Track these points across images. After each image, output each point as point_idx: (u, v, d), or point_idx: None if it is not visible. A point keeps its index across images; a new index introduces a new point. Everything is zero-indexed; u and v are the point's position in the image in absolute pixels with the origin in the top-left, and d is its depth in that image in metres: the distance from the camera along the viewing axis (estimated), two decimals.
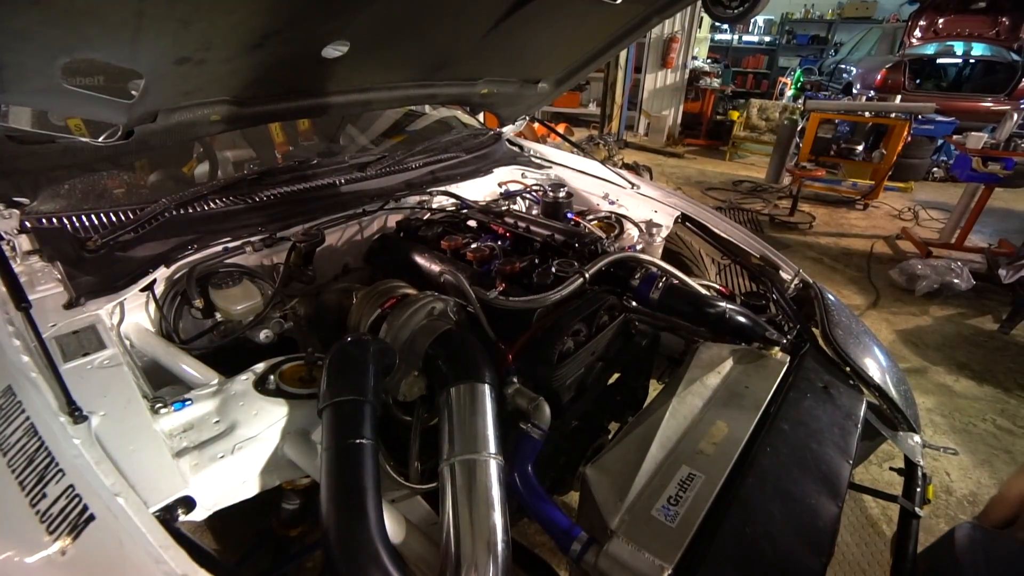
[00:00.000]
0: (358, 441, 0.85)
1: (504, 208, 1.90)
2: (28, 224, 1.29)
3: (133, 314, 1.28)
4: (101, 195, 1.56)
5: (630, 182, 2.32)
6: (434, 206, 1.94)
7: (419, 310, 1.20)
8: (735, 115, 9.19)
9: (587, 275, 1.37)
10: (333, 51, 1.21)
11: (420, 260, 1.56)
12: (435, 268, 1.49)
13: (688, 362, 1.35)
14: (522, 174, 2.42)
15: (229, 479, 0.87)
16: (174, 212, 1.37)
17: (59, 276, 1.21)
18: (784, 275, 1.79)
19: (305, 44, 1.13)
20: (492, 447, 0.97)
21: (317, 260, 1.67)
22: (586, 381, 1.36)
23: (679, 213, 2.12)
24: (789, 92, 10.06)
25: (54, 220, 1.32)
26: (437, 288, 1.41)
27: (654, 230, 1.90)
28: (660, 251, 1.91)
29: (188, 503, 0.79)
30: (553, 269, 1.41)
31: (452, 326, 1.22)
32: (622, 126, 9.04)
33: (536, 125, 6.53)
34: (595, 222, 2.09)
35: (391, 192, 1.81)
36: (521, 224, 1.76)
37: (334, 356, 0.98)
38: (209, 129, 1.27)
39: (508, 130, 2.59)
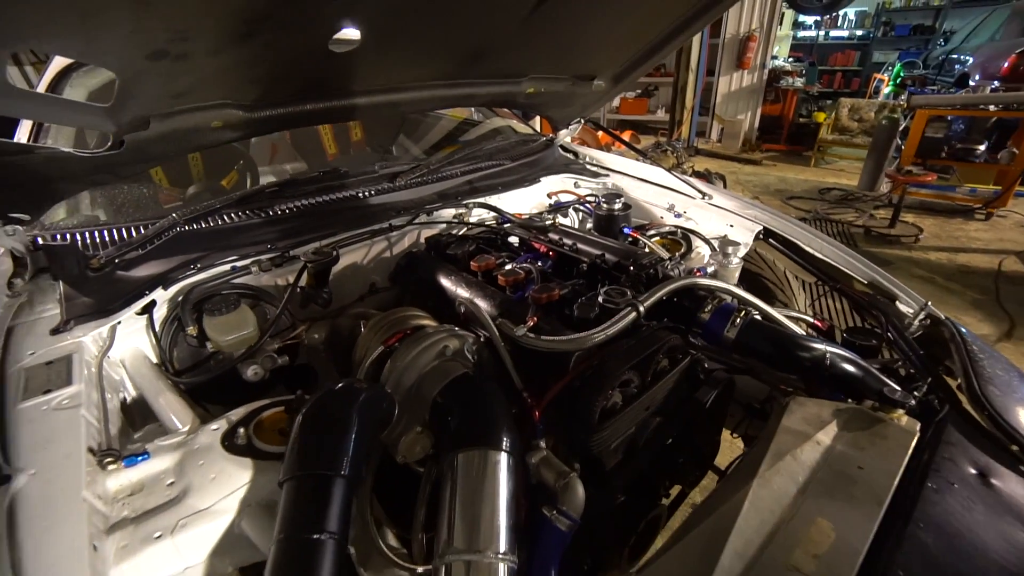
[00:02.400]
0: (316, 536, 0.64)
1: (549, 222, 1.66)
2: (41, 240, 1.24)
3: (134, 339, 1.18)
4: (120, 208, 1.51)
5: (700, 191, 2.00)
6: (472, 220, 1.75)
7: (428, 349, 0.99)
8: (821, 117, 8.37)
9: (643, 307, 1.10)
10: (343, 43, 1.04)
11: (446, 283, 1.35)
12: (461, 294, 1.28)
13: (774, 425, 1.03)
14: (574, 183, 2.17)
15: (164, 567, 0.70)
16: (184, 227, 1.27)
17: (59, 296, 1.14)
18: (904, 308, 1.40)
19: (305, 33, 0.97)
20: (503, 544, 0.73)
21: (341, 279, 1.52)
22: (638, 441, 1.08)
23: (760, 227, 1.77)
24: (886, 89, 9.01)
25: (67, 236, 1.27)
26: (459, 318, 1.20)
27: (730, 248, 1.58)
28: (737, 274, 1.59)
29: None
30: (600, 298, 1.15)
31: (469, 370, 1.00)
32: (692, 132, 8.50)
33: (600, 133, 6.25)
34: (657, 239, 1.80)
35: (422, 204, 1.63)
36: (567, 241, 1.51)
37: (308, 412, 0.79)
38: (213, 137, 1.15)
39: (563, 135, 2.34)
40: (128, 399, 1.13)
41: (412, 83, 1.37)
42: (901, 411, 1.04)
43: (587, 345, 1.00)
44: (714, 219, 1.87)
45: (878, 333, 1.34)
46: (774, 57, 8.64)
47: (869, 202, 5.87)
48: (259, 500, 0.78)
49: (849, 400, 1.11)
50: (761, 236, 1.78)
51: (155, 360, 1.18)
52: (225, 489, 0.76)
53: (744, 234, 1.77)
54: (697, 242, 1.77)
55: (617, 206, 1.75)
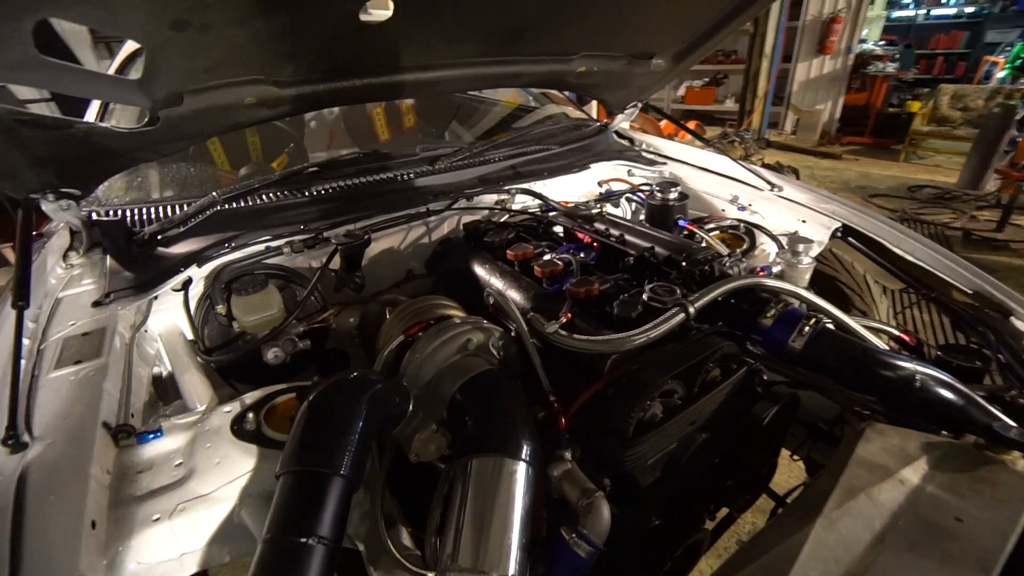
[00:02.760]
0: (304, 540, 0.59)
1: (595, 211, 1.54)
2: (95, 216, 1.29)
3: (171, 314, 1.20)
4: (184, 187, 1.55)
5: (769, 182, 1.80)
6: (516, 207, 1.66)
7: (450, 341, 0.92)
8: (915, 106, 7.51)
9: (693, 308, 0.97)
10: (374, 13, 0.98)
11: (479, 272, 1.28)
12: (492, 283, 1.20)
13: (845, 454, 0.88)
14: (628, 171, 2.02)
15: (161, 550, 0.67)
16: (223, 206, 1.27)
17: (104, 270, 1.17)
18: (1021, 325, 1.17)
19: (332, 5, 0.91)
20: (511, 566, 0.65)
21: (377, 264, 1.49)
22: (679, 459, 0.96)
23: (839, 224, 1.56)
24: (1000, 73, 7.94)
25: (118, 212, 1.31)
26: (488, 309, 1.12)
27: (800, 246, 1.39)
28: (808, 276, 1.40)
29: None
30: (645, 296, 1.03)
31: (493, 367, 0.92)
32: (764, 123, 7.91)
33: (663, 122, 5.93)
34: (716, 233, 1.63)
35: (463, 189, 1.57)
36: (614, 232, 1.39)
37: (313, 402, 0.74)
38: (248, 115, 1.13)
39: (619, 120, 2.19)
40: (164, 373, 1.15)
41: (451, 60, 1.30)
42: (1017, 453, 0.85)
43: (626, 347, 0.89)
44: (784, 213, 1.67)
45: (984, 354, 1.12)
46: (862, 40, 7.85)
47: (971, 202, 5.21)
48: (260, 491, 0.74)
49: (943, 432, 0.93)
50: (839, 234, 1.56)
51: (190, 336, 1.20)
52: (228, 475, 0.74)
53: (818, 231, 1.56)
54: (762, 238, 1.59)
55: (672, 195, 1.60)
